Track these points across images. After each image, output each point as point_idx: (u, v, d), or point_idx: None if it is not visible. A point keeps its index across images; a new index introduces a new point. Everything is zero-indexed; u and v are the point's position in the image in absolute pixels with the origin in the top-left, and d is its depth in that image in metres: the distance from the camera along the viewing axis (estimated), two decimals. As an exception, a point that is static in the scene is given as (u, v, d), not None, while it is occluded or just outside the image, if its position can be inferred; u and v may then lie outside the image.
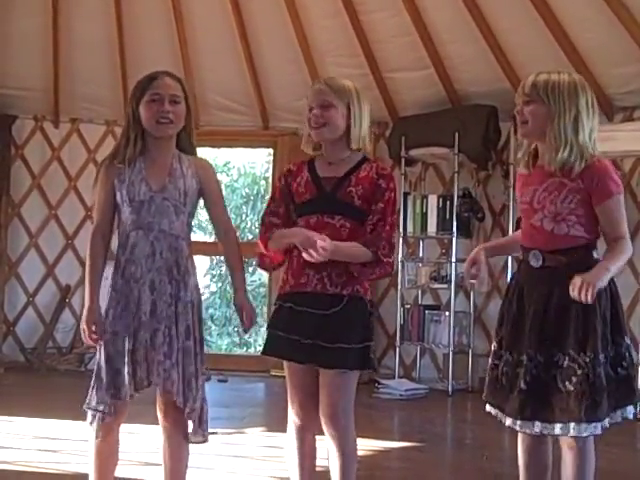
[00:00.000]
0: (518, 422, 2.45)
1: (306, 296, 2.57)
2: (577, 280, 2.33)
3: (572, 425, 2.39)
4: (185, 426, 2.64)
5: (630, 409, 2.50)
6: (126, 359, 2.52)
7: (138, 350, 2.53)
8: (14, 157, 6.99)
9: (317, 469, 2.72)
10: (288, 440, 2.69)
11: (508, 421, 2.48)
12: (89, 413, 2.57)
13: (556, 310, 2.45)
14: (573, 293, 2.33)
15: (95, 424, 2.57)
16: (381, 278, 2.71)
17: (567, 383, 2.40)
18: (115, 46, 6.63)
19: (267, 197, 8.62)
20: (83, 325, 2.57)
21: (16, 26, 6.49)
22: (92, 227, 2.66)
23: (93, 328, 2.56)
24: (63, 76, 6.79)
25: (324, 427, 2.60)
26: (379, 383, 5.93)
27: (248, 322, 2.66)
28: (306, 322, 2.56)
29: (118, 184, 2.60)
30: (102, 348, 2.56)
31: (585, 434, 2.40)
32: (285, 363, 2.65)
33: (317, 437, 2.69)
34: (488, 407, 2.60)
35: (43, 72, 6.77)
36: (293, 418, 2.67)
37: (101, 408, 2.54)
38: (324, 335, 2.53)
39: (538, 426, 2.43)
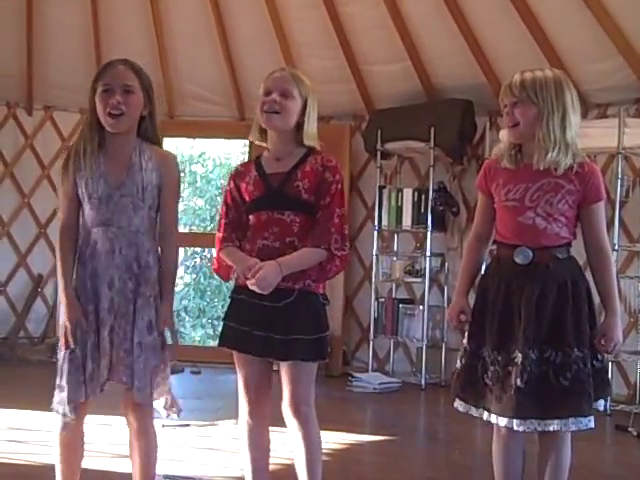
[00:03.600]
0: (515, 421, 2.43)
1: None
2: (611, 340, 2.47)
3: (571, 420, 2.42)
4: (149, 421, 2.62)
5: (601, 402, 2.54)
6: (88, 355, 2.49)
7: (99, 347, 2.51)
8: (-14, 145, 6.92)
9: (285, 463, 2.71)
10: (240, 436, 2.68)
11: (503, 421, 2.46)
12: (53, 411, 2.55)
13: (552, 308, 2.46)
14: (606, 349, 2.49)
15: (58, 422, 2.55)
16: (338, 272, 2.69)
17: (561, 379, 2.42)
18: (90, 33, 6.56)
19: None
20: (66, 322, 2.52)
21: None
22: (59, 225, 2.61)
23: (74, 325, 2.51)
24: (37, 63, 6.71)
25: (286, 418, 2.61)
26: (352, 376, 5.93)
27: (173, 341, 2.62)
28: (258, 314, 2.56)
29: (79, 179, 2.56)
30: (68, 352, 2.52)
31: (582, 428, 2.43)
32: (236, 355, 2.65)
33: (274, 432, 2.70)
34: (463, 406, 2.58)
35: (16, 58, 6.68)
36: (245, 412, 2.66)
37: (61, 411, 2.51)
38: (276, 327, 2.54)
39: (534, 423, 2.44)
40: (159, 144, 2.68)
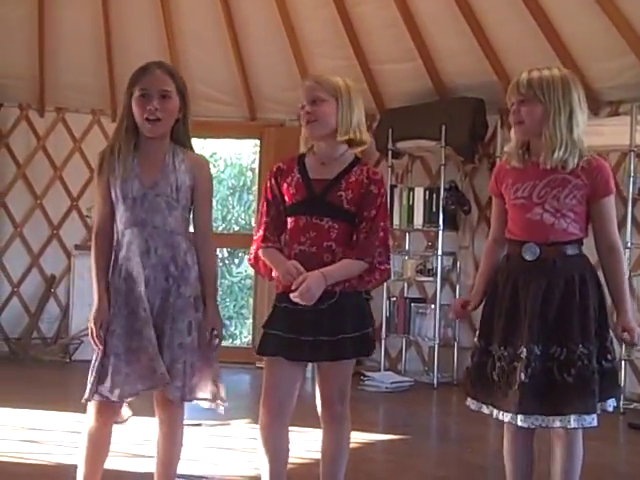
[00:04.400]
0: (519, 417, 2.42)
1: None
2: (633, 330, 2.48)
3: (572, 417, 2.41)
4: (179, 419, 2.64)
5: (611, 402, 2.53)
6: (123, 359, 2.49)
7: (138, 349, 2.49)
8: (-1, 146, 6.95)
9: (299, 462, 2.72)
10: (260, 439, 2.66)
11: (507, 417, 2.46)
12: (92, 400, 2.51)
13: (558, 303, 2.45)
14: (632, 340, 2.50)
15: (91, 417, 2.55)
16: (379, 285, 2.74)
17: (566, 375, 2.42)
18: (102, 35, 6.58)
19: (254, 188, 8.60)
20: (91, 324, 2.52)
21: (1, 13, 6.43)
22: (94, 228, 2.62)
23: (99, 327, 2.51)
24: (49, 64, 6.74)
25: (322, 416, 2.63)
26: (364, 375, 5.93)
27: (217, 340, 2.60)
28: (303, 319, 2.56)
29: (112, 181, 2.57)
30: (103, 349, 2.52)
31: (585, 425, 2.42)
32: (272, 361, 2.63)
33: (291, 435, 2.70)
34: (475, 404, 2.58)
35: (29, 60, 6.72)
36: (269, 418, 2.63)
37: (106, 393, 2.49)
38: (323, 329, 2.55)
39: (538, 419, 2.43)
40: (191, 147, 2.69)
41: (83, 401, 2.53)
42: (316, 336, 2.55)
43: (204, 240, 2.64)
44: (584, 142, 2.50)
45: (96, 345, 2.52)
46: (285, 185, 2.66)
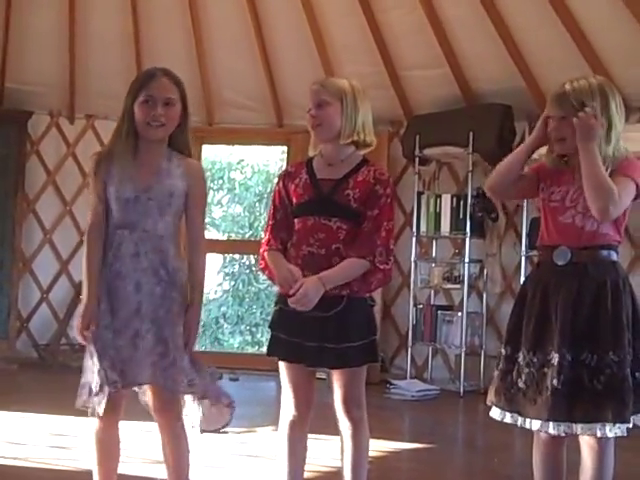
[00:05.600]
0: (551, 424, 2.40)
1: None
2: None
3: (599, 425, 2.38)
4: (178, 422, 2.65)
5: None
6: (111, 354, 2.52)
7: (123, 348, 2.53)
8: (29, 153, 7.03)
9: (326, 470, 2.71)
10: (280, 444, 2.68)
11: (536, 424, 2.44)
12: (91, 402, 2.55)
13: (589, 309, 2.43)
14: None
15: (95, 422, 2.57)
16: (381, 286, 2.72)
17: (595, 382, 2.39)
18: (131, 42, 6.64)
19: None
20: (77, 321, 2.57)
21: (32, 22, 6.52)
22: (88, 225, 2.64)
23: (87, 325, 2.55)
24: (79, 72, 6.81)
25: (339, 420, 2.63)
26: (390, 384, 5.91)
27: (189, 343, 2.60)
28: (309, 325, 2.56)
29: (108, 180, 2.60)
30: (92, 345, 2.55)
31: (611, 435, 2.39)
32: (285, 366, 2.65)
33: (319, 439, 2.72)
34: (499, 413, 2.55)
35: (59, 68, 6.79)
36: (288, 422, 2.66)
37: (90, 406, 2.53)
38: (328, 336, 2.55)
39: (569, 427, 2.41)
40: (190, 154, 2.70)
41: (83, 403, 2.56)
42: (320, 342, 2.55)
43: (195, 246, 2.65)
44: (621, 148, 2.49)
45: (84, 339, 2.55)
46: (293, 186, 2.67)
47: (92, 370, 2.55)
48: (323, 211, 2.60)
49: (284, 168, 2.81)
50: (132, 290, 2.54)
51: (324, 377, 2.76)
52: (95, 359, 2.53)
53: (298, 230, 2.64)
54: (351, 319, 2.58)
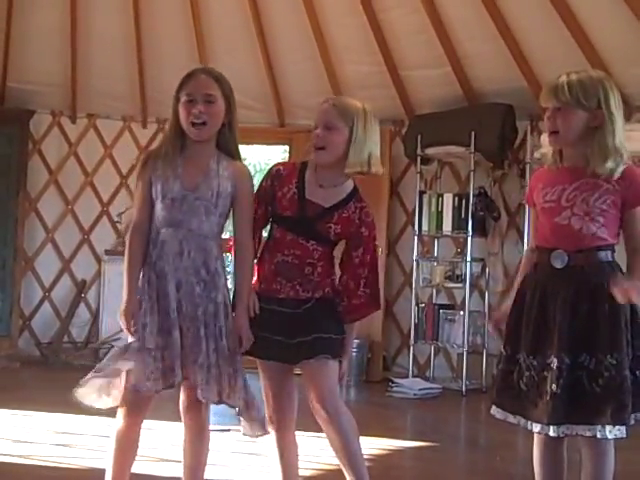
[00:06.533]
0: (551, 427, 2.40)
1: (279, 299, 2.62)
2: (624, 283, 2.35)
3: (598, 427, 2.38)
4: (205, 424, 2.66)
5: None
6: (153, 354, 2.51)
7: (166, 347, 2.52)
8: (31, 152, 7.03)
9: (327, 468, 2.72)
10: (269, 444, 2.70)
11: (537, 427, 2.44)
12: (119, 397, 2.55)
13: (587, 312, 2.42)
14: (616, 292, 2.34)
15: (120, 416, 2.57)
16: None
17: (594, 385, 2.38)
18: (133, 42, 6.64)
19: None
20: (122, 318, 2.56)
21: (34, 21, 6.52)
22: (131, 224, 2.66)
23: (131, 320, 2.55)
24: (81, 71, 6.82)
25: (317, 416, 2.59)
26: (393, 382, 5.92)
27: (243, 345, 2.61)
28: (278, 320, 2.59)
29: (154, 179, 2.61)
30: (136, 342, 2.56)
31: (611, 436, 2.38)
32: (261, 364, 2.67)
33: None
34: (500, 413, 2.55)
35: (61, 67, 6.80)
36: (270, 421, 2.67)
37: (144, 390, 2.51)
38: (298, 331, 2.58)
39: (568, 428, 2.41)
40: (239, 156, 2.71)
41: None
42: (289, 337, 2.57)
43: (242, 249, 2.66)
44: (625, 148, 2.45)
45: (131, 334, 2.54)
46: (280, 194, 2.65)
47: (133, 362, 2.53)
48: (303, 233, 2.62)
49: (275, 165, 2.76)
50: (174, 289, 2.54)
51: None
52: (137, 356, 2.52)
53: (276, 239, 2.65)
54: (321, 313, 2.61)
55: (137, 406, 2.56)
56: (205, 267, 2.58)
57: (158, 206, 2.59)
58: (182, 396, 2.65)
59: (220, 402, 2.57)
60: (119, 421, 2.59)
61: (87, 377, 2.57)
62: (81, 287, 7.01)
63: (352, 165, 2.59)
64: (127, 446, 2.63)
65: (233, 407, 2.60)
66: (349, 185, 2.66)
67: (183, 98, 2.59)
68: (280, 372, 2.66)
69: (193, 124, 2.57)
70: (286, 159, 7.71)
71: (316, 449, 2.75)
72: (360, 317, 2.69)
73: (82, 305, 7.01)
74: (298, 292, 2.62)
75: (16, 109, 6.92)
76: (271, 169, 2.74)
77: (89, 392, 2.56)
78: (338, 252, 2.70)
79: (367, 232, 2.63)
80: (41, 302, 7.03)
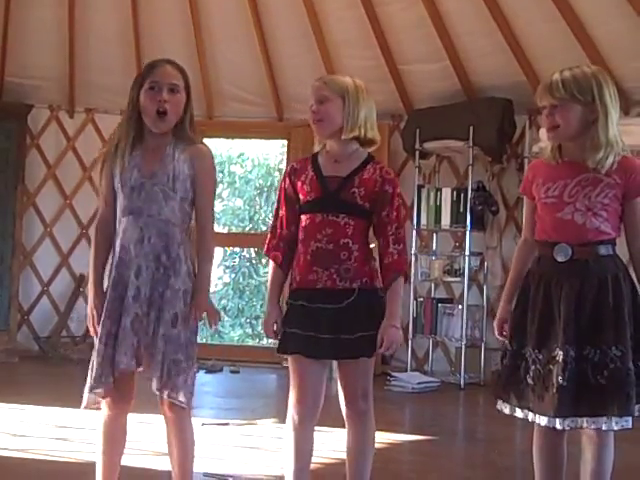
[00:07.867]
0: (557, 420, 2.41)
1: (317, 292, 2.60)
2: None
3: (604, 419, 2.39)
4: (185, 415, 2.62)
5: None
6: (110, 342, 2.52)
7: (121, 334, 2.52)
8: (29, 146, 7.03)
9: (332, 462, 2.72)
10: (286, 438, 2.67)
11: (544, 420, 2.44)
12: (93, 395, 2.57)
13: (591, 304, 2.43)
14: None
15: (103, 412, 2.59)
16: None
17: (599, 377, 2.40)
18: (131, 36, 6.64)
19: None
20: (91, 311, 2.59)
21: (32, 15, 6.51)
22: (97, 218, 2.69)
23: (94, 316, 2.57)
24: (79, 66, 6.81)
25: (346, 414, 2.64)
26: (391, 376, 5.93)
27: (213, 323, 2.63)
28: (322, 317, 2.58)
29: (115, 171, 2.62)
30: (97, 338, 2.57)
31: (617, 428, 2.41)
32: (296, 361, 2.64)
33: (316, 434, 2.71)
34: (508, 408, 2.55)
35: (59, 62, 6.79)
36: (297, 417, 2.64)
37: (98, 390, 2.55)
38: (342, 327, 2.56)
39: (574, 421, 2.42)
40: (199, 142, 2.72)
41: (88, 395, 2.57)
42: (335, 334, 2.56)
43: (202, 232, 2.65)
44: (619, 141, 2.47)
45: (95, 332, 2.56)
46: (299, 183, 2.68)
47: (94, 359, 2.55)
48: (331, 208, 2.62)
49: (289, 164, 2.80)
50: (132, 276, 2.55)
51: None
52: (94, 351, 2.55)
53: (306, 227, 2.65)
54: (363, 309, 2.60)
55: (119, 394, 2.56)
56: (166, 252, 2.57)
57: (119, 197, 2.61)
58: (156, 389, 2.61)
59: (160, 390, 2.53)
60: (104, 412, 2.60)
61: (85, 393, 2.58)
62: (79, 281, 7.00)
63: (349, 129, 2.63)
64: (115, 435, 2.64)
65: (173, 400, 2.56)
66: (363, 153, 2.69)
67: (147, 86, 2.59)
68: (319, 371, 2.65)
69: (158, 113, 2.57)
70: (284, 153, 7.71)
71: (317, 443, 2.74)
72: (397, 275, 2.64)
73: (80, 299, 7.00)
74: (335, 281, 2.59)
75: (14, 103, 6.91)
76: (285, 169, 2.80)
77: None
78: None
79: (391, 189, 2.64)
80: (39, 296, 7.03)
